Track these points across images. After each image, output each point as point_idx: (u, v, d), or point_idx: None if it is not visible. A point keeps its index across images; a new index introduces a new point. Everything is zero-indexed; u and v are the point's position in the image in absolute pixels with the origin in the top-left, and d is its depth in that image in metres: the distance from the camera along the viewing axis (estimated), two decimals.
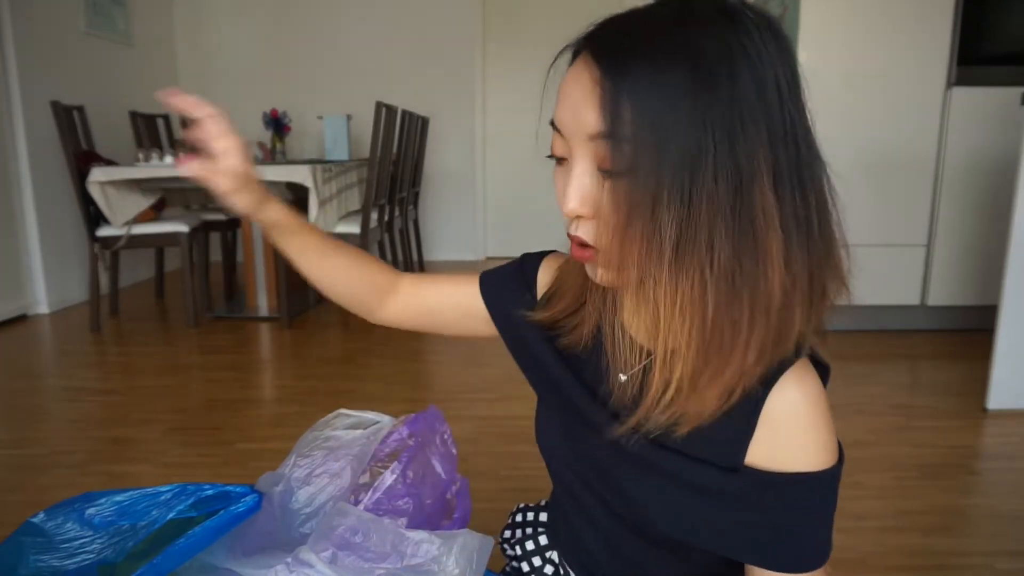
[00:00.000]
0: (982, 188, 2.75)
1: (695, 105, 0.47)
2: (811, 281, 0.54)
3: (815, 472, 0.56)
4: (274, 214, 0.73)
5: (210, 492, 0.77)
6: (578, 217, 0.54)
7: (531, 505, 0.90)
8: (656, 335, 0.53)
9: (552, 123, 0.55)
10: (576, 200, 0.52)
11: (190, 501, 0.77)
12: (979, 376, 2.20)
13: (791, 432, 0.56)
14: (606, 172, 0.51)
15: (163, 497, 0.78)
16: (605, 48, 0.50)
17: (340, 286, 0.79)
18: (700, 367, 0.52)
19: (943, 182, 2.76)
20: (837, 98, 2.71)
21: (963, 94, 2.68)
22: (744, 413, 0.56)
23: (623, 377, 0.62)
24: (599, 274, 0.56)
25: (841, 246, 0.58)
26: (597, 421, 0.64)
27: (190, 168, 0.69)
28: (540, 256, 0.76)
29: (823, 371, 0.60)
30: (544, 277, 0.73)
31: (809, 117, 0.55)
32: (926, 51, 2.67)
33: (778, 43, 0.52)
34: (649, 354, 0.60)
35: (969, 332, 2.86)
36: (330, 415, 0.97)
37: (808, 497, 0.56)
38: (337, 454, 0.86)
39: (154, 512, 0.77)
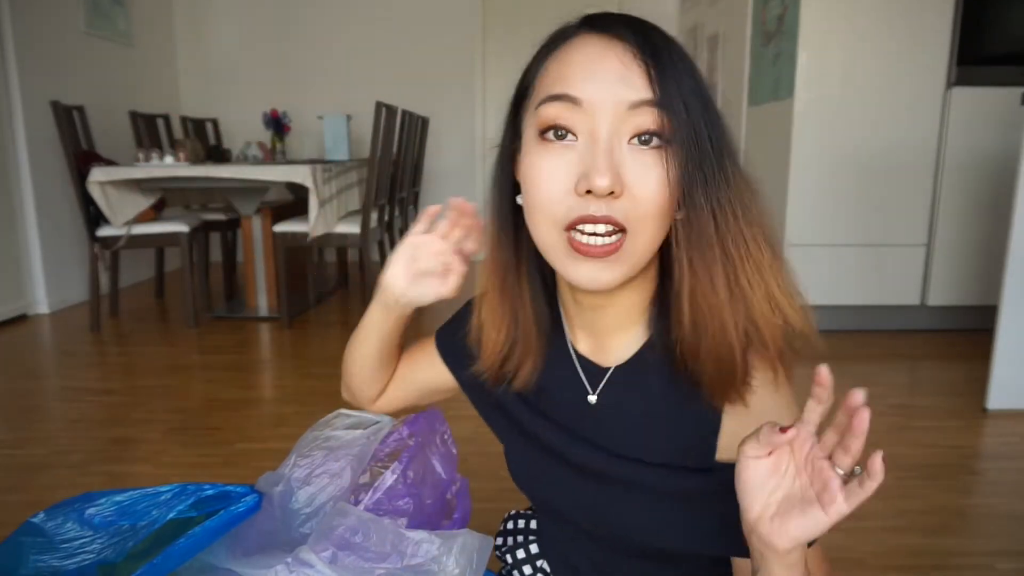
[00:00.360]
0: (982, 188, 2.75)
1: (708, 93, 0.53)
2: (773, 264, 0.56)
3: None
4: (406, 321, 0.79)
5: (210, 492, 0.77)
6: (608, 195, 0.50)
7: (522, 512, 0.90)
8: (695, 318, 0.53)
9: (558, 96, 0.52)
10: (611, 173, 0.49)
11: (190, 501, 0.77)
12: (979, 376, 2.20)
13: (754, 421, 0.55)
14: (655, 138, 0.51)
15: (163, 497, 0.78)
16: (632, 29, 0.52)
17: (368, 372, 0.83)
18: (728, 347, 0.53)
19: (943, 182, 2.76)
20: (837, 98, 2.71)
21: (963, 94, 2.68)
22: (705, 413, 0.57)
23: (593, 399, 0.63)
24: (611, 271, 0.53)
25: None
26: (567, 451, 0.64)
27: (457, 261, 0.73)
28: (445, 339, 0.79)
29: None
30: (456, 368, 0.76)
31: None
32: (926, 51, 2.67)
33: None
34: (604, 371, 0.62)
35: (969, 332, 2.86)
36: (330, 415, 0.97)
37: None
38: (337, 454, 0.86)
39: (154, 512, 0.77)
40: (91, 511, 0.79)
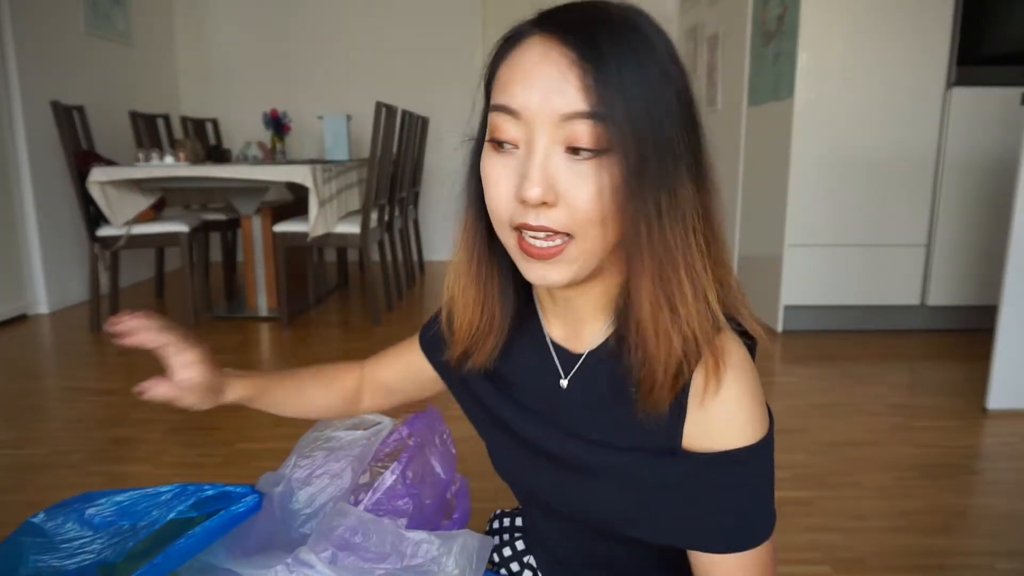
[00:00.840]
0: (982, 188, 2.75)
1: (672, 93, 0.51)
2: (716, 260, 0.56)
3: (747, 447, 0.56)
4: (238, 394, 0.84)
5: (210, 492, 0.77)
6: (542, 205, 0.51)
7: (507, 511, 0.90)
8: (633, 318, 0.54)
9: (499, 107, 0.53)
10: (541, 185, 0.50)
11: (191, 501, 0.77)
12: (979, 376, 2.20)
13: (717, 412, 0.55)
14: (586, 151, 0.50)
15: (163, 497, 0.78)
16: (575, 31, 0.50)
17: (322, 410, 0.87)
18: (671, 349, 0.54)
19: (943, 182, 2.76)
20: (837, 98, 2.71)
21: (963, 94, 2.68)
22: (674, 398, 0.57)
23: (565, 383, 0.64)
24: (557, 272, 0.53)
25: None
26: (542, 438, 0.64)
27: (156, 393, 0.77)
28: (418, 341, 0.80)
29: (751, 344, 0.61)
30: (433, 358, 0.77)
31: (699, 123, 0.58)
32: (926, 51, 2.67)
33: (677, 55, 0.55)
34: (576, 357, 0.62)
35: (969, 332, 2.86)
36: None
37: (743, 472, 0.57)
38: (337, 455, 0.87)
39: (154, 512, 0.77)
40: (91, 511, 0.79)
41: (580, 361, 0.63)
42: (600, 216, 0.51)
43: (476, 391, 0.71)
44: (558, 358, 0.64)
